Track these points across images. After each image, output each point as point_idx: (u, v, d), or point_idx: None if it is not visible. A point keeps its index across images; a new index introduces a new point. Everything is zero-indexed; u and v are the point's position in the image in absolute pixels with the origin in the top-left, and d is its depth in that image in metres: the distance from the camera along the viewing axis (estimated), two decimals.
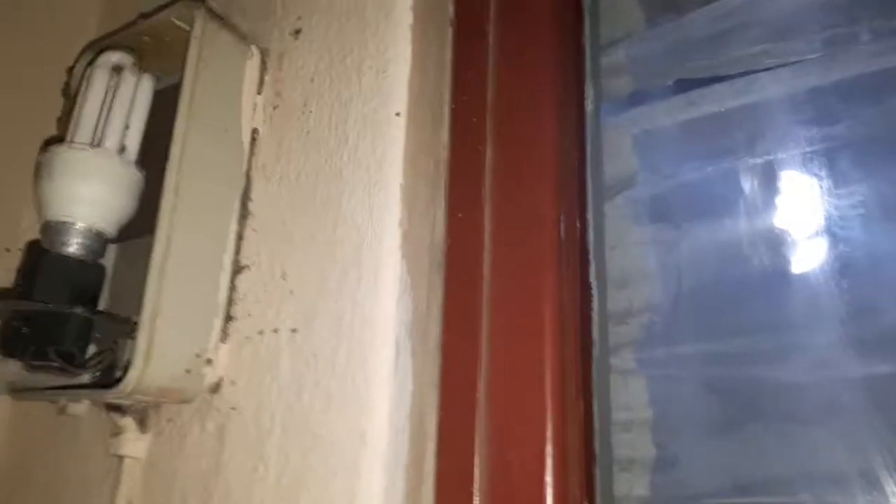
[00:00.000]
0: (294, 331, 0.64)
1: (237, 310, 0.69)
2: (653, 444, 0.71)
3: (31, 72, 0.95)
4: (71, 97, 0.81)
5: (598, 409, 0.65)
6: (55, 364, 0.63)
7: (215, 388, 0.67)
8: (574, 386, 0.60)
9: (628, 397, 0.73)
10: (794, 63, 0.76)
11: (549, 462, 0.55)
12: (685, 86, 0.82)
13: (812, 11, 0.77)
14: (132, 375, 0.59)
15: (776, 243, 0.73)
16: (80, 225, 0.66)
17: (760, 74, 0.77)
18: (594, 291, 0.69)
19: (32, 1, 0.98)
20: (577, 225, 0.67)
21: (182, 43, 0.73)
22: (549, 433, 0.56)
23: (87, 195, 0.66)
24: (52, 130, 0.93)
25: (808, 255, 0.71)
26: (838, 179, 0.71)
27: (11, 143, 0.92)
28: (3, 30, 0.94)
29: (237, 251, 0.70)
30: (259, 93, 0.75)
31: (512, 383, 0.58)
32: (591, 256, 0.70)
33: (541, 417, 0.56)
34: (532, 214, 0.61)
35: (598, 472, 0.61)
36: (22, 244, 0.90)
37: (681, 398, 0.73)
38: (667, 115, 0.83)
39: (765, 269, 0.72)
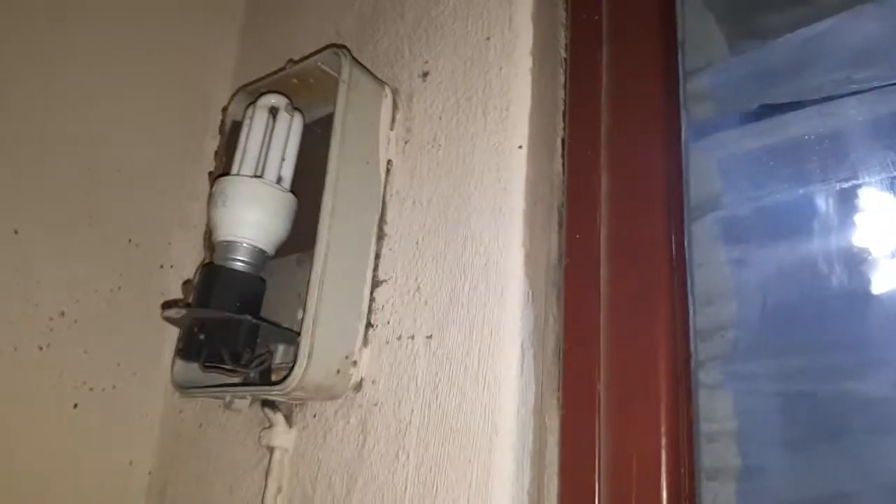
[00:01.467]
0: (429, 337, 0.73)
1: (377, 318, 0.78)
2: (738, 454, 0.75)
3: (176, 113, 1.08)
4: (226, 133, 0.93)
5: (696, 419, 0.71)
6: (226, 365, 0.74)
7: (358, 386, 0.77)
8: (684, 393, 0.67)
9: (715, 409, 0.77)
10: (876, 88, 0.78)
11: (664, 458, 0.62)
12: (768, 111, 0.86)
13: (893, 37, 0.79)
14: (297, 373, 0.69)
15: (856, 263, 0.75)
16: (246, 244, 0.77)
17: (842, 99, 0.80)
18: (691, 307, 0.74)
19: (179, 48, 1.11)
20: (680, 244, 0.73)
21: (324, 84, 0.84)
22: (664, 433, 0.63)
23: (253, 219, 0.76)
24: (196, 164, 1.06)
25: (889, 275, 0.74)
26: None
27: (164, 175, 1.05)
28: (157, 76, 1.07)
29: (376, 267, 0.80)
30: (392, 129, 0.85)
31: (629, 386, 0.65)
32: (688, 273, 0.76)
33: (657, 417, 0.63)
34: (645, 235, 0.68)
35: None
36: (174, 262, 1.03)
37: (765, 411, 0.76)
38: (750, 139, 0.86)
39: (846, 287, 0.75)
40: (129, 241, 0.99)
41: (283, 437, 0.80)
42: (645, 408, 0.63)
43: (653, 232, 0.68)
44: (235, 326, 0.73)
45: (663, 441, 0.61)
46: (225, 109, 0.94)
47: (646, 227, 0.68)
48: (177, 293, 0.98)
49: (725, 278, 0.82)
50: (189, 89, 1.10)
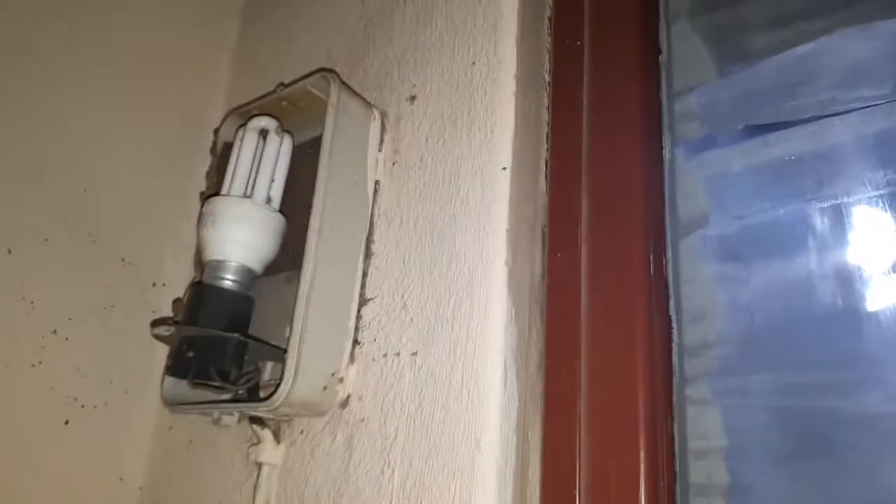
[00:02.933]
0: (414, 354, 0.75)
1: (363, 335, 0.80)
2: (727, 471, 0.75)
3: (170, 133, 1.10)
4: (217, 154, 0.95)
5: (677, 436, 0.72)
6: (214, 381, 0.75)
7: (344, 403, 0.78)
8: (662, 409, 0.68)
9: (704, 426, 0.77)
10: (861, 109, 0.80)
11: (642, 472, 0.63)
12: (755, 131, 0.86)
13: (878, 59, 0.81)
14: (283, 390, 0.71)
15: (844, 282, 0.76)
16: (234, 263, 0.78)
17: (828, 120, 0.81)
18: (674, 324, 0.76)
19: (173, 70, 1.13)
20: (660, 262, 0.75)
21: (313, 106, 0.86)
22: (642, 450, 0.64)
23: (241, 238, 0.78)
24: (189, 184, 1.08)
25: (876, 293, 0.75)
26: None
27: (157, 195, 1.07)
28: (151, 97, 1.09)
29: (363, 285, 0.82)
30: (380, 150, 0.87)
31: (609, 403, 0.67)
32: (671, 291, 0.77)
33: (635, 432, 0.64)
34: (625, 254, 0.70)
35: (678, 493, 0.68)
36: (166, 281, 1.04)
37: (754, 428, 0.76)
38: (737, 158, 0.87)
39: (834, 304, 0.76)
40: (122, 259, 1.01)
41: (271, 453, 0.81)
42: (623, 425, 0.65)
43: (631, 250, 0.70)
44: (223, 344, 0.75)
45: (641, 457, 0.63)
46: (217, 131, 0.96)
47: (624, 245, 0.70)
48: (168, 312, 1.00)
49: (713, 295, 0.83)
50: (182, 110, 1.12)
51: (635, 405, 0.65)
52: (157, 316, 1.02)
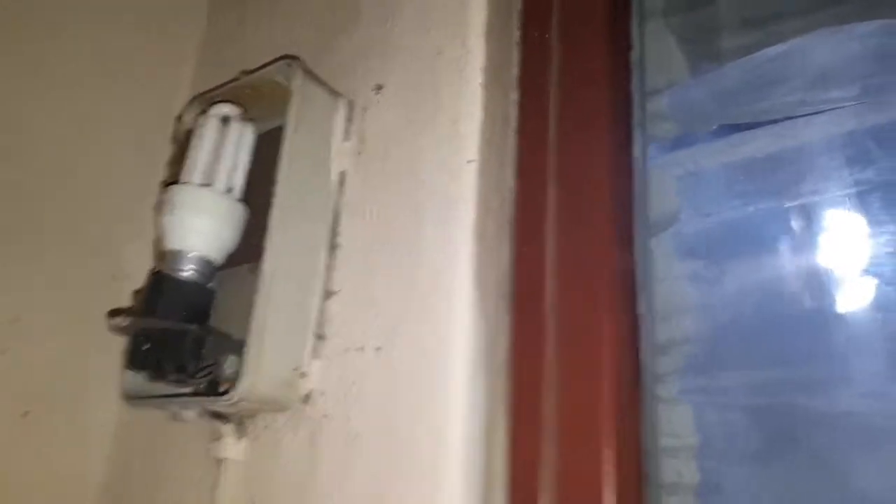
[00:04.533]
0: (379, 349, 0.73)
1: (327, 330, 0.78)
2: (697, 469, 0.76)
3: (133, 123, 1.08)
4: (179, 142, 0.92)
5: (647, 434, 0.71)
6: (172, 375, 0.73)
7: (307, 398, 0.76)
8: (630, 407, 0.68)
9: (674, 424, 0.78)
10: (829, 110, 0.81)
11: (607, 474, 0.63)
12: (726, 131, 0.88)
13: (847, 61, 0.82)
14: (243, 384, 0.69)
15: (813, 280, 0.77)
16: (193, 253, 0.76)
17: (798, 120, 0.82)
18: (644, 321, 0.75)
19: (139, 57, 1.10)
20: (628, 259, 0.74)
21: (278, 94, 0.84)
22: (608, 447, 0.63)
23: (201, 227, 0.76)
24: (153, 175, 1.05)
25: (845, 292, 0.76)
26: (872, 220, 0.77)
27: (119, 184, 1.04)
28: (114, 83, 1.06)
29: (327, 278, 0.80)
30: (346, 140, 0.85)
31: (575, 401, 0.66)
32: (638, 289, 0.77)
33: (601, 431, 0.63)
34: (591, 248, 0.69)
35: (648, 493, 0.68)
36: (131, 271, 1.02)
37: (725, 425, 0.77)
38: (708, 157, 0.88)
39: (802, 304, 0.77)
40: (84, 249, 0.98)
41: (232, 448, 0.79)
42: (589, 423, 0.64)
43: (598, 246, 0.69)
44: (181, 336, 0.73)
45: (606, 455, 0.62)
46: (179, 118, 0.93)
47: (591, 241, 0.69)
48: (129, 303, 0.97)
49: (684, 293, 0.84)
50: (147, 98, 1.09)
51: (600, 403, 0.64)
52: (119, 307, 0.99)
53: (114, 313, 0.78)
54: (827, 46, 0.84)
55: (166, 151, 1.02)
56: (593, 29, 0.79)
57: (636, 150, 0.82)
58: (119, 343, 0.95)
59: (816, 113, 0.82)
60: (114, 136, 1.05)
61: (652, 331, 0.79)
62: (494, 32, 0.81)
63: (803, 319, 0.77)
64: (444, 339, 0.70)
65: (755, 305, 0.80)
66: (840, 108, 0.81)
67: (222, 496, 0.78)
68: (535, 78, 0.80)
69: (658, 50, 0.95)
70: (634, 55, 0.88)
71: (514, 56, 0.84)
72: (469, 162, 0.75)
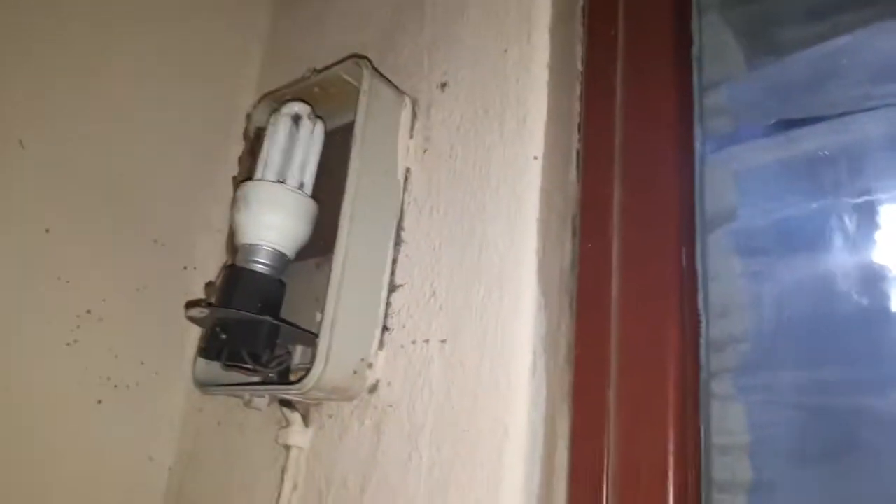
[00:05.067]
0: (443, 341, 0.75)
1: (392, 322, 0.80)
2: (750, 468, 0.75)
3: (203, 119, 1.12)
4: (250, 139, 0.95)
5: (702, 431, 0.71)
6: (246, 364, 0.76)
7: (373, 388, 0.79)
8: (691, 403, 0.68)
9: (727, 422, 0.77)
10: (893, 105, 0.78)
11: (671, 464, 0.63)
12: (785, 125, 0.86)
13: None
14: (314, 373, 0.71)
15: (873, 278, 0.75)
16: (268, 247, 0.79)
17: (860, 115, 0.80)
18: (702, 319, 0.76)
19: (206, 56, 1.14)
20: (691, 255, 0.75)
21: (345, 92, 0.87)
22: (671, 441, 0.64)
23: (276, 223, 0.79)
24: (220, 169, 1.09)
25: None
26: None
27: (190, 179, 1.08)
28: (185, 82, 1.10)
29: (392, 272, 0.82)
30: (411, 137, 0.87)
31: (638, 394, 0.67)
32: (699, 285, 0.77)
33: (664, 425, 0.64)
34: (656, 247, 0.70)
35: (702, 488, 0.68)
36: (197, 264, 1.06)
37: (778, 425, 0.76)
38: (766, 153, 0.86)
39: (862, 302, 0.75)
40: (155, 241, 1.02)
41: (299, 435, 0.82)
42: (653, 417, 0.65)
43: (663, 243, 0.69)
44: (256, 327, 0.76)
45: (671, 449, 0.63)
46: (249, 116, 0.97)
47: (656, 238, 0.70)
48: (199, 294, 1.01)
49: (740, 290, 0.82)
50: (215, 96, 1.13)
51: (665, 398, 0.65)
52: (188, 298, 1.03)
53: (190, 304, 0.81)
54: (890, 38, 0.81)
55: (233, 146, 1.06)
56: (658, 24, 0.80)
57: (698, 145, 0.82)
58: (188, 332, 1.00)
59: (879, 108, 0.79)
60: (185, 132, 1.09)
61: (708, 328, 0.78)
62: (559, 30, 0.82)
63: (860, 319, 0.75)
64: (508, 332, 0.71)
65: (812, 304, 0.79)
66: None
67: (289, 482, 0.81)
68: (600, 74, 0.81)
69: (715, 43, 0.93)
70: (696, 48, 0.87)
71: (580, 52, 0.85)
72: (535, 159, 0.76)
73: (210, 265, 1.06)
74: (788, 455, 0.75)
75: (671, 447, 0.63)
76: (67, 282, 0.91)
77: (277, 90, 0.93)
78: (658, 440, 0.64)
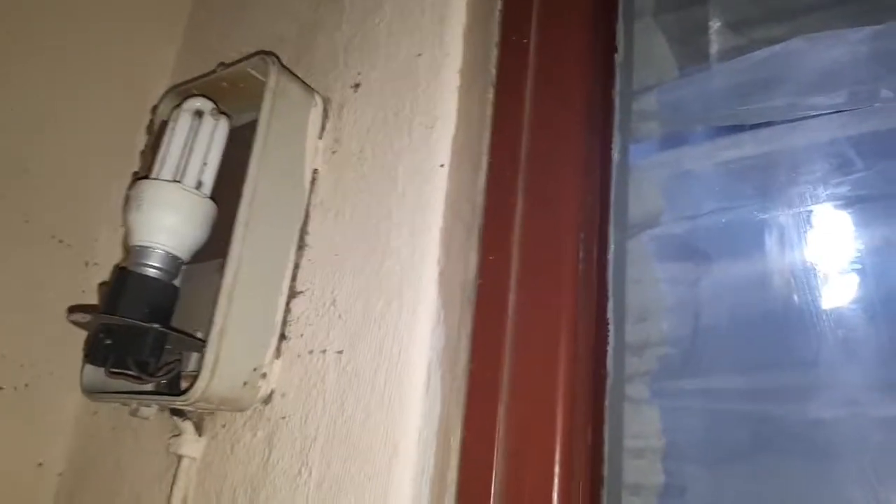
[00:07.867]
0: (340, 352, 0.73)
1: (291, 330, 0.77)
2: (662, 471, 0.75)
3: (113, 109, 1.07)
4: (154, 133, 0.91)
5: (610, 436, 0.71)
6: (131, 372, 0.72)
7: (267, 399, 0.76)
8: (585, 413, 0.67)
9: (642, 426, 0.77)
10: (815, 116, 0.80)
11: (556, 481, 0.62)
12: (712, 132, 0.87)
13: (836, 69, 0.81)
14: (199, 385, 0.68)
15: (791, 286, 0.76)
16: (160, 250, 0.75)
17: (785, 125, 0.81)
18: (610, 326, 0.75)
19: (118, 45, 1.09)
20: (598, 265, 0.73)
21: (254, 89, 0.83)
22: (557, 455, 0.63)
23: (169, 224, 0.75)
24: (129, 161, 1.04)
25: (821, 300, 0.74)
26: (852, 226, 0.76)
27: (94, 172, 1.03)
28: (94, 69, 1.05)
29: (293, 278, 0.79)
30: (320, 137, 0.84)
31: (528, 409, 0.65)
32: (609, 293, 0.76)
33: (551, 440, 0.63)
34: (553, 259, 0.68)
35: (605, 495, 0.67)
36: (100, 259, 1.01)
37: (692, 429, 0.77)
38: (693, 159, 0.87)
39: (779, 308, 0.76)
40: (53, 237, 0.97)
41: (191, 445, 0.79)
42: (540, 427, 0.64)
43: (560, 253, 0.68)
44: (142, 334, 0.72)
45: (556, 471, 0.62)
46: (154, 108, 0.92)
47: (554, 249, 0.69)
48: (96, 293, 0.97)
49: (659, 295, 0.83)
50: (126, 86, 1.08)
51: (553, 409, 0.64)
52: (88, 296, 0.98)
53: (73, 309, 0.76)
54: (817, 51, 0.83)
55: (140, 140, 1.01)
56: (571, 32, 0.78)
57: (615, 153, 0.81)
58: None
59: (804, 118, 0.81)
60: (90, 122, 1.04)
61: (623, 333, 0.78)
62: (474, 35, 0.80)
63: (779, 325, 0.76)
64: (405, 344, 0.69)
65: (732, 310, 0.79)
66: (829, 113, 0.79)
67: (179, 493, 0.77)
68: (511, 82, 0.79)
69: (648, 48, 0.94)
70: (620, 55, 0.87)
71: (494, 59, 0.83)
72: (441, 166, 0.74)
73: (113, 261, 1.01)
74: (701, 459, 0.75)
75: (557, 457, 0.62)
76: None
77: (185, 83, 0.89)
78: (544, 456, 0.63)
